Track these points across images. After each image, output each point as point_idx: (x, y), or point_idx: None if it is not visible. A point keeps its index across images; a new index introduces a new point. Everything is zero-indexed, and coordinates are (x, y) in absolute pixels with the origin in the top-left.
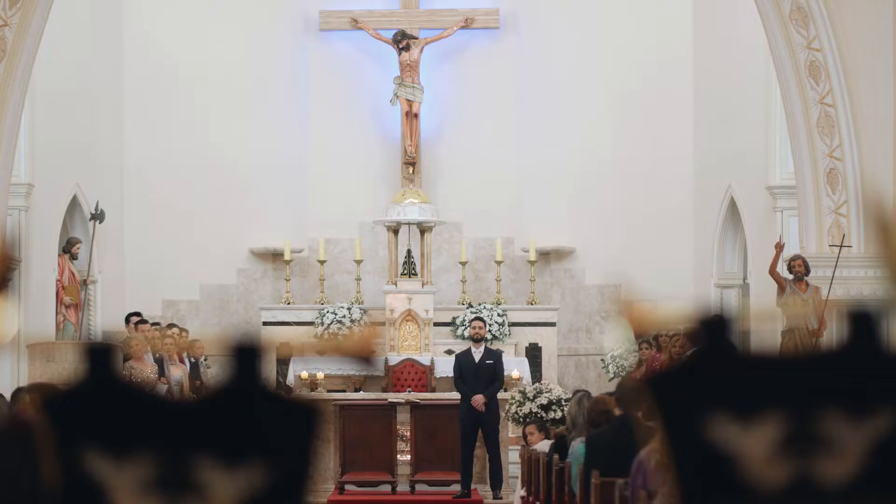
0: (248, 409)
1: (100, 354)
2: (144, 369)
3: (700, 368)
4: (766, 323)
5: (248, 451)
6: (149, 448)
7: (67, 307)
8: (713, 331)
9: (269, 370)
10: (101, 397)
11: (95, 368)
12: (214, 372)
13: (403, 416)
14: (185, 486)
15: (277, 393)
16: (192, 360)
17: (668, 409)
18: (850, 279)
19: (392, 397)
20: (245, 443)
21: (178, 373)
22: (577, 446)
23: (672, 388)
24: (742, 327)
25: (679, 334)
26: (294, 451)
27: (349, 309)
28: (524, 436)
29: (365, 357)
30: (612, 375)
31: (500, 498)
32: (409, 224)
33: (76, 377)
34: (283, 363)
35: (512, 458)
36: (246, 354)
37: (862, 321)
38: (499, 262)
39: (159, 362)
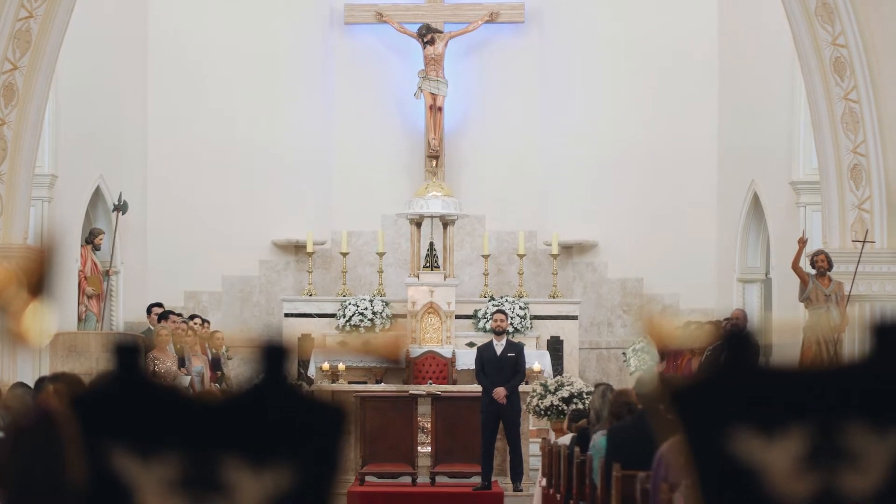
0: (276, 409)
1: (127, 353)
2: (166, 360)
3: (723, 382)
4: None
5: (275, 452)
6: (175, 448)
7: (90, 298)
8: (736, 345)
9: (291, 363)
10: (129, 396)
11: (123, 367)
12: (235, 364)
13: (424, 409)
14: (212, 486)
15: (305, 394)
16: (213, 351)
17: (690, 422)
18: (873, 275)
19: (413, 389)
20: (272, 444)
21: (199, 364)
22: (599, 439)
23: (695, 402)
24: (765, 340)
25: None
26: (321, 452)
27: (371, 301)
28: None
29: (392, 359)
30: (633, 369)
31: (521, 490)
32: (431, 217)
33: (103, 375)
34: (304, 355)
35: (532, 451)
36: (273, 354)
37: (886, 333)
38: (521, 256)
39: (180, 353)
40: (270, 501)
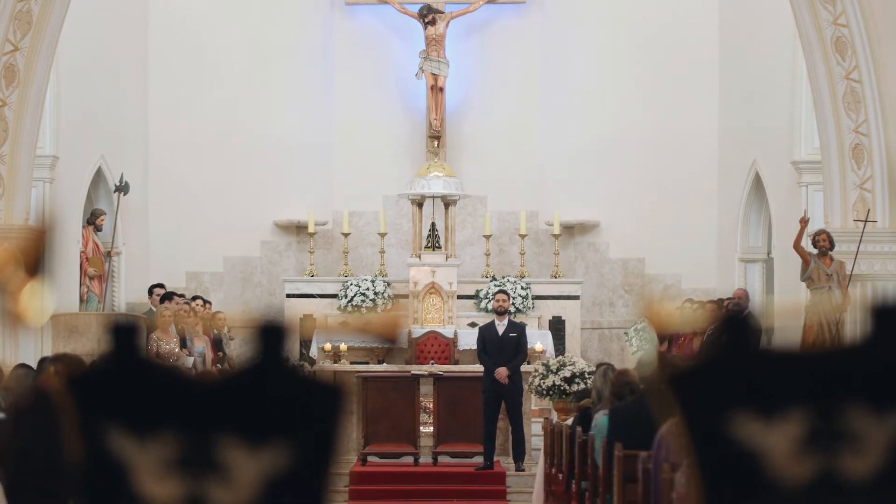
0: (273, 389)
1: (124, 332)
2: (169, 341)
3: (722, 365)
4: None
5: (272, 432)
6: (172, 427)
7: (91, 278)
8: (734, 328)
9: (293, 343)
10: (126, 376)
11: (120, 346)
12: (237, 345)
13: (426, 389)
14: (208, 466)
15: (302, 373)
16: (215, 332)
17: (689, 406)
18: (875, 254)
19: (415, 369)
20: (269, 423)
21: (200, 345)
22: (601, 419)
23: (694, 385)
24: (767, 321)
25: (703, 308)
26: (318, 431)
27: (373, 282)
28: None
29: (390, 339)
30: (635, 349)
31: (523, 470)
32: (433, 197)
33: (101, 355)
34: (306, 336)
35: (535, 431)
36: (271, 334)
37: (884, 316)
38: (523, 236)
39: (182, 334)
40: (267, 481)
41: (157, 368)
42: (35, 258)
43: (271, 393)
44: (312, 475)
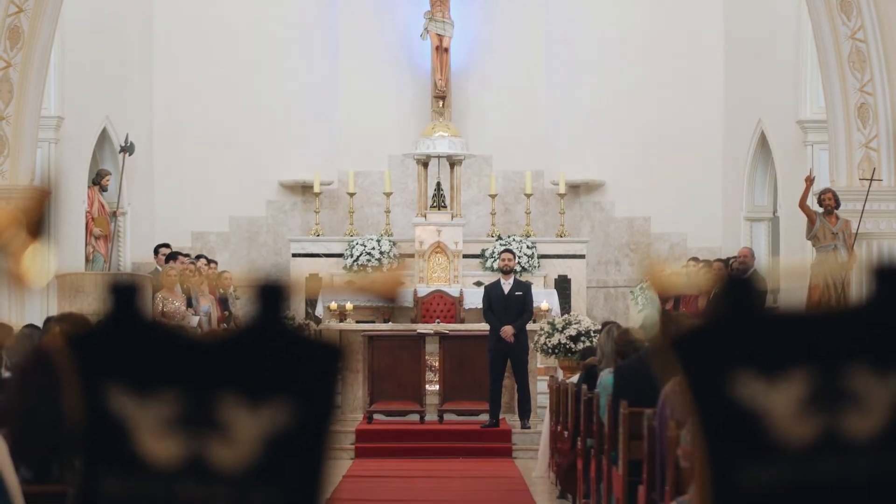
0: (272, 348)
1: (124, 292)
2: (175, 300)
3: (724, 326)
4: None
5: (272, 390)
6: (172, 386)
7: (97, 239)
8: (737, 288)
9: (298, 303)
10: (125, 334)
11: (120, 306)
12: (243, 304)
13: (432, 347)
14: (208, 424)
15: (300, 332)
16: (221, 291)
17: (693, 367)
18: (881, 213)
19: (421, 328)
20: (268, 382)
21: (206, 304)
22: (606, 377)
23: (697, 346)
24: (772, 281)
25: (709, 267)
26: (317, 390)
27: (378, 241)
28: None
29: (390, 297)
30: (640, 308)
31: (529, 428)
32: (438, 157)
33: (101, 314)
34: (312, 295)
35: (540, 389)
36: (270, 294)
37: (887, 276)
38: (528, 195)
39: (188, 293)
40: (267, 439)
41: (156, 327)
42: (37, 219)
43: (271, 352)
44: (313, 434)
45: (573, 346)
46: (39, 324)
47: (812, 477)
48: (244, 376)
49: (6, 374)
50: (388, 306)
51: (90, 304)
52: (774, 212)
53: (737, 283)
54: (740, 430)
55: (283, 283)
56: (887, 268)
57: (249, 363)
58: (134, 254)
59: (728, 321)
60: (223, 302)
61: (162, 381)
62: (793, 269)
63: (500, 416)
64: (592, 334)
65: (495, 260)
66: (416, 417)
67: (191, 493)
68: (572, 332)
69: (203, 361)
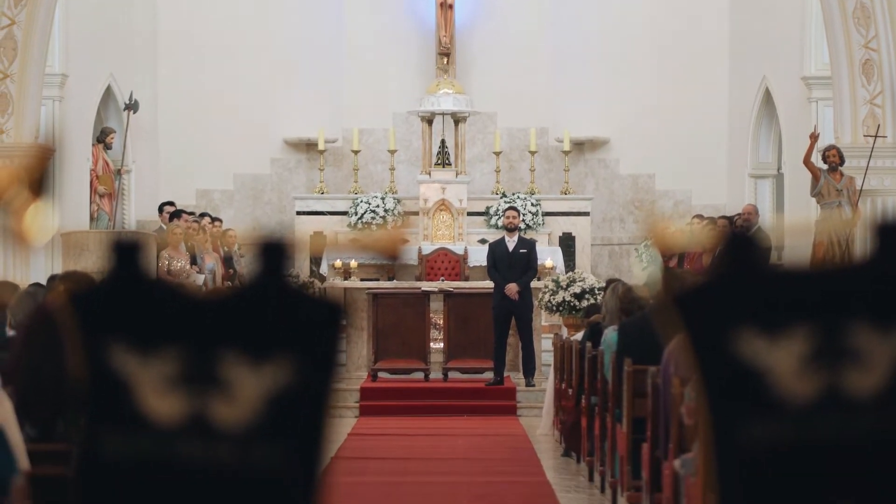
0: (274, 306)
1: (127, 250)
2: (180, 258)
3: (726, 283)
4: (800, 235)
5: (274, 349)
6: (174, 344)
7: (101, 197)
8: (739, 246)
9: (303, 260)
10: (128, 293)
11: (122, 264)
12: (248, 262)
13: (437, 305)
14: (211, 382)
15: (303, 291)
16: (225, 249)
17: (695, 324)
18: (885, 169)
19: (425, 286)
20: (270, 340)
21: (211, 262)
22: (610, 334)
23: (699, 304)
24: (776, 238)
25: (713, 225)
26: (319, 348)
27: (383, 199)
28: None
29: (392, 256)
30: (644, 265)
31: (533, 385)
32: (443, 114)
33: (104, 273)
34: (317, 253)
35: (545, 346)
36: (273, 252)
37: (889, 233)
38: (533, 152)
39: (192, 251)
40: (269, 397)
41: (159, 286)
42: (40, 177)
43: (273, 310)
44: (315, 392)
45: (577, 303)
46: (43, 282)
47: (814, 434)
48: (246, 334)
49: (11, 333)
50: (391, 264)
51: (94, 262)
52: (779, 169)
53: (739, 240)
54: (743, 388)
55: (285, 242)
56: (889, 225)
57: (252, 321)
58: (138, 212)
59: (730, 278)
60: (227, 260)
61: (164, 340)
62: (797, 226)
63: (505, 374)
64: (597, 292)
65: (500, 217)
66: (420, 375)
67: (193, 450)
68: (576, 289)
69: (205, 319)
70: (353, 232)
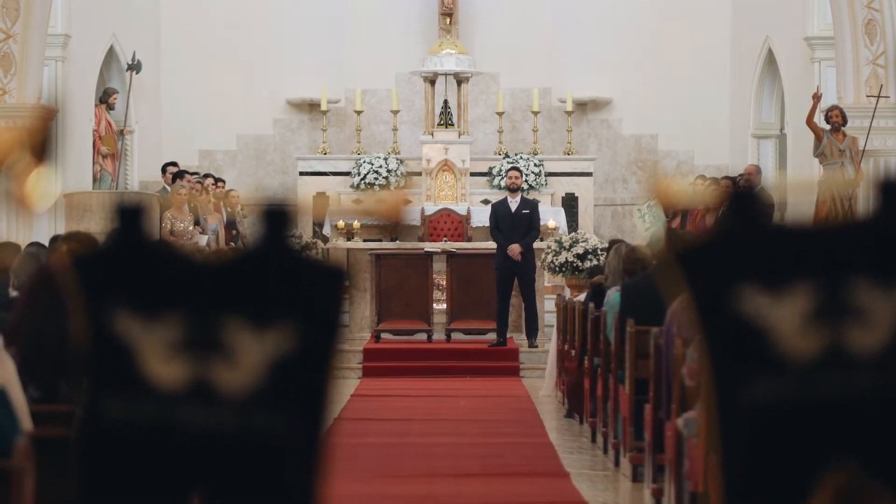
0: (276, 271)
1: (129, 213)
2: (183, 220)
3: (728, 242)
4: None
5: (276, 314)
6: (177, 309)
7: (104, 157)
8: (741, 204)
9: (305, 222)
10: (131, 256)
11: (125, 227)
12: (251, 223)
13: (439, 266)
14: (214, 347)
15: (306, 255)
16: (228, 210)
17: (697, 282)
18: (887, 129)
19: (428, 247)
20: (273, 305)
21: (214, 223)
22: (613, 295)
23: (701, 262)
24: (779, 197)
25: (716, 184)
26: (321, 313)
27: (386, 159)
28: None
29: (394, 218)
30: (647, 225)
31: (536, 346)
32: (445, 74)
33: (107, 235)
34: (320, 214)
35: (548, 307)
36: (274, 217)
37: (891, 192)
38: (535, 113)
39: (195, 212)
40: (272, 362)
41: (162, 249)
42: (42, 140)
43: (276, 275)
44: (317, 357)
45: (580, 264)
46: (46, 243)
47: (816, 392)
48: (249, 300)
49: (14, 294)
50: (393, 226)
51: (97, 223)
52: (782, 129)
53: (741, 198)
54: (745, 346)
55: (288, 206)
56: (891, 183)
57: (255, 287)
58: (141, 173)
59: (732, 236)
60: (230, 222)
61: (167, 305)
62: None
63: (508, 335)
64: (600, 252)
65: (502, 178)
66: (423, 336)
67: (195, 415)
68: (579, 250)
69: (208, 285)
70: (356, 193)
